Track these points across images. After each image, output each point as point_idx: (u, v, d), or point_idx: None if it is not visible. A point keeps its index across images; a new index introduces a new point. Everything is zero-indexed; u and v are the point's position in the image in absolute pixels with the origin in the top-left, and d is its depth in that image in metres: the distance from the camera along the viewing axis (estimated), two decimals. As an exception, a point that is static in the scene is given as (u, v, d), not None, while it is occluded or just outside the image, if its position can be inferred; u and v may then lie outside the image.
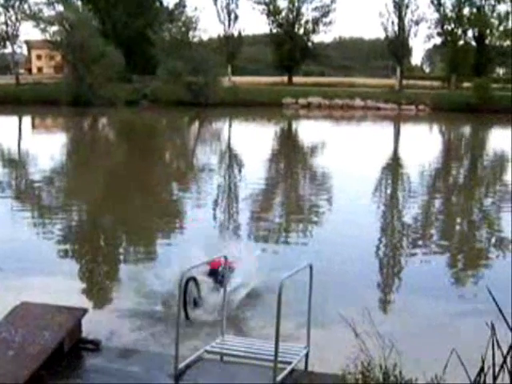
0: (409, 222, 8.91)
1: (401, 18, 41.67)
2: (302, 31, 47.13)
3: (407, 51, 45.31)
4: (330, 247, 7.14)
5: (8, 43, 41.30)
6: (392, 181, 13.86)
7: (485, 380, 2.22)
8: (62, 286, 5.52)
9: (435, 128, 29.96)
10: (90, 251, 7.16)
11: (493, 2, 41.99)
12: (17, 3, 40.20)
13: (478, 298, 5.40)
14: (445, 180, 14.18)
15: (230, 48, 43.83)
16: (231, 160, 16.65)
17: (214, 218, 9.04)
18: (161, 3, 45.54)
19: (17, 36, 41.29)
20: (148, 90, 34.46)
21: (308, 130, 26.78)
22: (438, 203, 11.11)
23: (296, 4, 46.22)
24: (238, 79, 42.25)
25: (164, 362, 3.55)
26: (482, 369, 2.23)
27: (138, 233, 8.10)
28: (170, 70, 34.14)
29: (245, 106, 33.52)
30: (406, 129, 29.81)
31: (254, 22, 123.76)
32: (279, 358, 3.20)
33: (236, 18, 45.00)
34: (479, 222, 9.39)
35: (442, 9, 41.96)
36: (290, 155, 18.30)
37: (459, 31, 42.37)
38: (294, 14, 46.48)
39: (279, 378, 3.23)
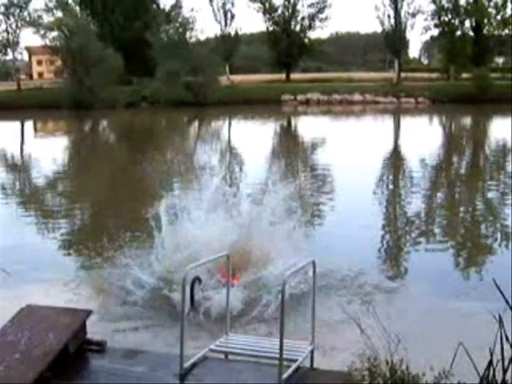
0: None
1: (397, 11, 41.52)
2: (298, 28, 47.05)
3: (404, 44, 45.13)
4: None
5: (9, 50, 41.75)
6: (394, 174, 13.88)
7: (494, 374, 2.21)
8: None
9: (435, 120, 29.89)
10: (94, 255, 7.14)
11: (489, -8, 41.81)
12: (17, 11, 40.57)
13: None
14: (447, 170, 14.21)
15: (228, 47, 43.81)
16: (234, 158, 16.68)
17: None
18: (157, 5, 45.55)
19: (17, 43, 41.82)
20: (147, 92, 34.52)
21: (308, 126, 26.77)
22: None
23: (291, 1, 46.16)
24: (236, 78, 42.24)
25: (169, 361, 3.55)
26: (490, 362, 2.21)
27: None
28: (169, 70, 34.19)
29: (244, 105, 33.52)
30: (406, 121, 29.75)
31: (250, 21, 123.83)
32: (284, 356, 3.19)
33: (232, 17, 45.03)
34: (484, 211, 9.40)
35: (438, 0, 41.79)
36: (290, 151, 18.31)
37: (456, 22, 42.13)
38: (290, 11, 46.39)
39: (285, 375, 3.23)
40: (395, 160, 15.80)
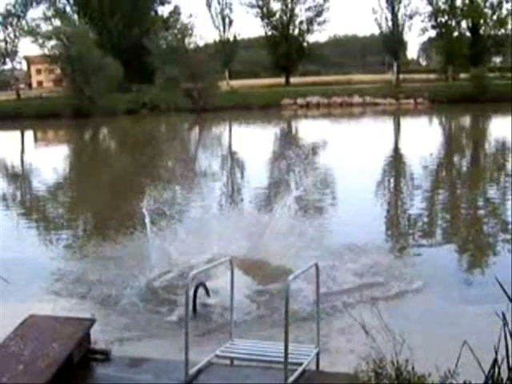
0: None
1: (394, 13, 41.65)
2: (296, 32, 47.23)
3: (402, 46, 45.25)
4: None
5: (8, 60, 41.85)
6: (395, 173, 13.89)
7: (499, 371, 2.20)
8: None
9: (435, 120, 29.90)
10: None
11: (485, -8, 41.94)
12: (15, 20, 40.73)
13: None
14: (448, 169, 14.22)
15: (227, 52, 43.94)
16: (236, 163, 16.69)
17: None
18: (155, 12, 45.77)
19: (16, 52, 41.97)
20: (147, 99, 34.60)
21: (308, 130, 26.77)
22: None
23: (289, 5, 46.35)
24: (235, 83, 42.32)
25: (174, 368, 3.53)
26: (495, 360, 2.20)
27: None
28: (168, 77, 34.27)
29: (244, 109, 33.57)
30: (406, 122, 29.76)
31: (248, 26, 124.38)
32: (290, 360, 3.18)
33: (230, 22, 45.19)
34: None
35: (434, 1, 41.93)
36: (291, 154, 18.30)
37: (453, 23, 42.26)
38: (288, 15, 46.57)
39: (291, 379, 3.21)
40: (396, 160, 15.81)
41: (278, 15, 46.58)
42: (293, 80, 46.31)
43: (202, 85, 34.06)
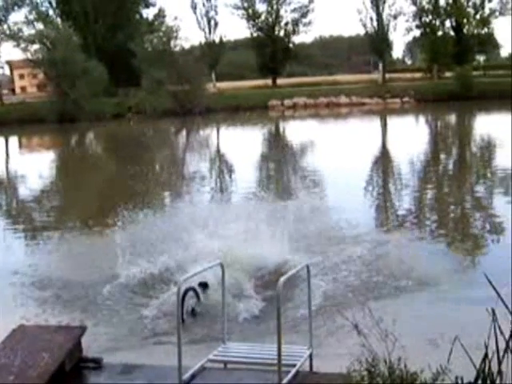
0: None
1: (379, 13, 41.99)
2: (282, 33, 47.30)
3: (388, 45, 45.60)
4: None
5: (-11, 65, 41.20)
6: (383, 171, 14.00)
7: (490, 366, 2.22)
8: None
9: (421, 119, 30.20)
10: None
11: (467, -8, 42.51)
12: (-4, 24, 40.06)
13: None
14: (435, 166, 14.39)
15: (213, 55, 43.89)
16: (225, 166, 16.65)
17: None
18: (140, 15, 45.51)
19: (-2, 57, 41.23)
20: (133, 102, 34.39)
21: (296, 130, 26.84)
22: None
23: (275, 7, 46.44)
24: (222, 85, 42.28)
25: (167, 374, 3.51)
26: (486, 355, 2.22)
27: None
28: (154, 80, 34.11)
29: (231, 112, 33.53)
30: (393, 121, 30.00)
31: (234, 27, 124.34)
32: (283, 361, 3.18)
33: (216, 24, 45.14)
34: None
35: (418, 1, 42.38)
36: (279, 156, 18.35)
37: (437, 22, 42.77)
38: (274, 16, 46.66)
39: (284, 381, 3.21)
40: (384, 159, 15.94)
41: (263, 17, 46.66)
42: (280, 81, 46.39)
43: (188, 87, 33.98)
